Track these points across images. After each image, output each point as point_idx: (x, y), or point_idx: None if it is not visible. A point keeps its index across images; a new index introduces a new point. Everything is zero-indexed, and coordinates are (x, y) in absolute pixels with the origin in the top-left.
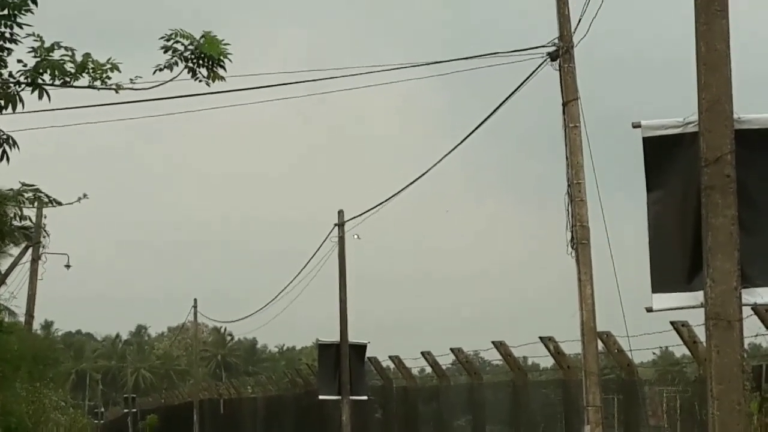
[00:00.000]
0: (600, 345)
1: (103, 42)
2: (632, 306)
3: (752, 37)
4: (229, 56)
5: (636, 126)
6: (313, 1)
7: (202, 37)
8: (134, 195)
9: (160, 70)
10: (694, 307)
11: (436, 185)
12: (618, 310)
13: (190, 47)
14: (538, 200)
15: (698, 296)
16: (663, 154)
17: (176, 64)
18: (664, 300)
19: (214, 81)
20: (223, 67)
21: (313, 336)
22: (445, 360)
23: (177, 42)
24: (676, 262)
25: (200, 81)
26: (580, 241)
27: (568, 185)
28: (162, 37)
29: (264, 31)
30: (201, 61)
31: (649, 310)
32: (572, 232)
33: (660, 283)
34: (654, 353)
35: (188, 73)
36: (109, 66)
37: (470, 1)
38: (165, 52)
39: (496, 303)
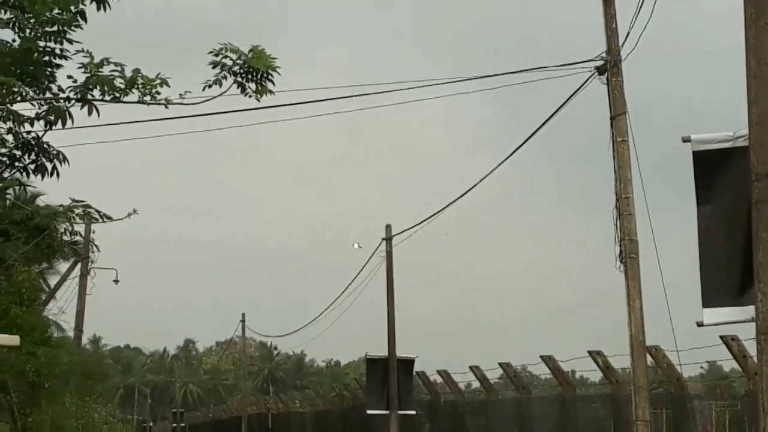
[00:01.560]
0: (649, 359)
1: (152, 58)
2: (681, 320)
3: None
4: (277, 69)
5: (686, 140)
6: (359, 18)
7: (250, 51)
8: (183, 211)
9: (209, 85)
10: (744, 321)
11: (484, 199)
12: (667, 324)
13: (239, 62)
14: (586, 214)
15: (749, 311)
16: (713, 168)
17: (225, 78)
18: (714, 314)
19: (262, 95)
20: (272, 81)
21: (360, 350)
22: (494, 374)
23: (225, 57)
24: (726, 276)
25: (249, 95)
26: (628, 255)
27: (617, 199)
28: (210, 52)
29: (310, 49)
30: (249, 76)
31: (700, 324)
32: (621, 246)
33: (711, 298)
34: (702, 367)
35: (237, 87)
36: (158, 81)
37: (517, 17)
38: (213, 67)
39: (544, 316)
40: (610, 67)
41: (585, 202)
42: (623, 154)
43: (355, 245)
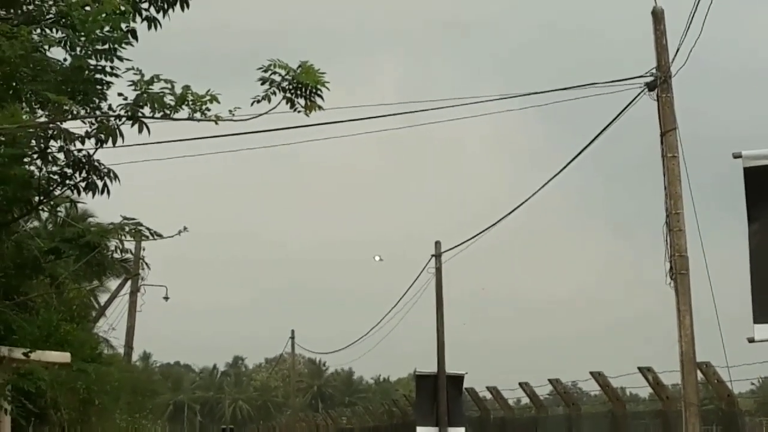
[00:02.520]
0: (699, 375)
1: (202, 76)
2: (731, 336)
3: None
4: (326, 85)
5: (737, 156)
6: (411, 38)
7: (299, 66)
8: (232, 228)
9: (258, 101)
10: None
11: (533, 216)
12: (717, 340)
13: (288, 77)
14: (635, 230)
15: None
16: (764, 184)
17: (274, 94)
18: (766, 330)
19: (312, 111)
20: (321, 97)
21: (409, 367)
22: (543, 390)
23: (274, 73)
24: None
25: (298, 111)
26: (679, 271)
27: (667, 215)
28: (260, 68)
29: (359, 67)
30: (299, 91)
31: (751, 340)
32: (671, 262)
33: (762, 314)
34: (753, 383)
35: (286, 103)
36: (208, 98)
37: (566, 32)
38: (262, 83)
39: (593, 332)
40: (660, 83)
41: (635, 218)
42: (673, 170)
43: (377, 258)
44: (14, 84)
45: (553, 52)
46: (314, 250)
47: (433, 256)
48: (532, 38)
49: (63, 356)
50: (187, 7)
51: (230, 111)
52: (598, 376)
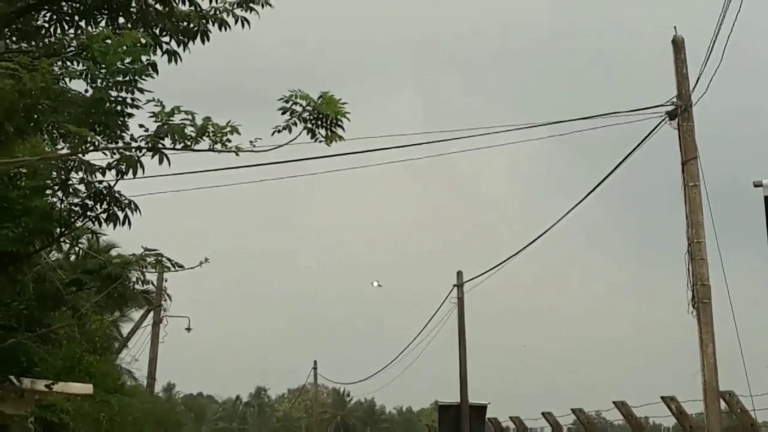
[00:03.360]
0: (723, 404)
1: (222, 107)
2: (755, 364)
3: None
4: (347, 115)
5: (757, 185)
6: (428, 66)
7: (320, 97)
8: (252, 258)
9: (279, 131)
10: None
11: (555, 245)
12: (741, 369)
13: (308, 108)
14: (656, 258)
15: None
16: None
17: (295, 124)
18: None
19: (332, 141)
20: (342, 127)
21: (431, 397)
22: (566, 420)
23: (295, 103)
24: None
25: (319, 141)
26: (701, 300)
27: (689, 244)
28: (281, 99)
29: (380, 98)
30: (319, 122)
31: None
32: (693, 290)
33: None
34: None
35: (307, 134)
36: (228, 129)
37: (586, 61)
38: (283, 113)
39: (614, 362)
40: (681, 112)
41: (658, 246)
42: (695, 199)
43: (374, 283)
44: (35, 116)
45: (572, 79)
46: (337, 277)
47: (455, 285)
48: (544, 68)
49: (86, 388)
50: (207, 40)
51: (251, 142)
52: (621, 406)
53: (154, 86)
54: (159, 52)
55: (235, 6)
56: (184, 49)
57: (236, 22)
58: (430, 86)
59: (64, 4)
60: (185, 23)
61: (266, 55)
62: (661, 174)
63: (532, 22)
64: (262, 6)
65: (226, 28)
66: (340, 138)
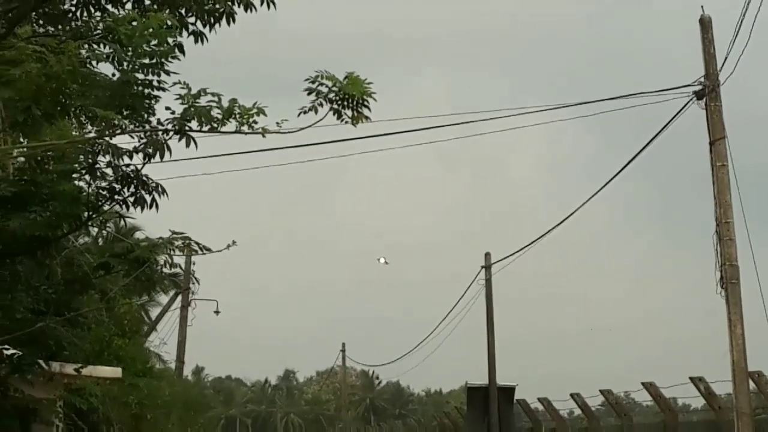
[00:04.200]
0: (752, 385)
1: (249, 89)
2: None
3: None
4: (373, 95)
5: None
6: (456, 49)
7: (346, 77)
8: (281, 242)
9: (305, 112)
10: None
11: (583, 227)
12: None
13: (334, 89)
14: (685, 239)
15: None
16: None
17: (321, 105)
18: None
19: (359, 122)
20: (368, 107)
21: (459, 379)
22: (594, 401)
23: (321, 84)
24: None
25: (345, 122)
26: (729, 281)
27: (717, 224)
28: (306, 79)
29: (408, 79)
30: (345, 102)
31: None
32: (721, 271)
33: None
34: None
35: (333, 114)
36: (255, 110)
37: (612, 41)
38: (309, 94)
39: (647, 345)
40: (708, 92)
41: (685, 227)
42: (723, 179)
43: (381, 260)
44: (62, 99)
45: (602, 64)
46: (366, 258)
47: (482, 267)
48: (573, 55)
49: (115, 371)
50: (233, 21)
51: (277, 123)
52: (649, 386)
53: (181, 70)
54: (185, 33)
55: None
56: (210, 30)
57: (262, 3)
58: (460, 69)
59: None
60: (211, 4)
61: (293, 37)
62: (689, 154)
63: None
64: None
65: (252, 10)
66: (367, 119)
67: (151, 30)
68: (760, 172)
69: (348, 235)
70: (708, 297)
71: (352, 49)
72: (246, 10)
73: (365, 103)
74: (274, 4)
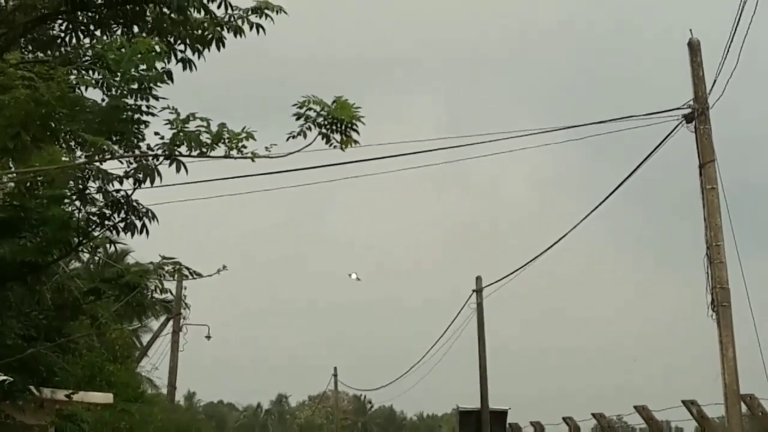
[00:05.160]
0: (744, 408)
1: (238, 115)
2: None
3: None
4: (362, 119)
5: None
6: (446, 72)
7: (334, 101)
8: (270, 265)
9: (293, 137)
10: None
11: (575, 250)
12: (762, 372)
13: (323, 113)
14: (676, 262)
15: None
16: None
17: (309, 129)
18: None
19: (347, 146)
20: (357, 131)
21: (451, 403)
22: (587, 425)
23: (309, 108)
24: None
25: (334, 147)
26: (720, 304)
27: (707, 247)
28: (295, 104)
29: (397, 103)
30: (334, 126)
31: None
32: (712, 294)
33: None
34: None
35: (322, 139)
36: (244, 135)
37: (600, 66)
38: (297, 119)
39: (639, 368)
40: (697, 115)
41: (676, 250)
42: (713, 202)
43: (353, 275)
44: (52, 125)
45: (590, 86)
46: (356, 284)
47: (474, 291)
48: (564, 78)
49: (106, 397)
50: (223, 47)
51: (266, 148)
52: (642, 410)
53: (170, 93)
54: (174, 60)
55: (250, 12)
56: (198, 57)
57: (251, 28)
58: (449, 91)
59: (79, 14)
60: (200, 31)
61: (282, 62)
62: (679, 177)
63: (547, 22)
64: (277, 12)
65: (240, 35)
66: (356, 143)
67: (139, 55)
68: (749, 192)
69: (339, 258)
70: (700, 319)
71: (343, 72)
72: (235, 36)
73: (354, 127)
74: (263, 29)
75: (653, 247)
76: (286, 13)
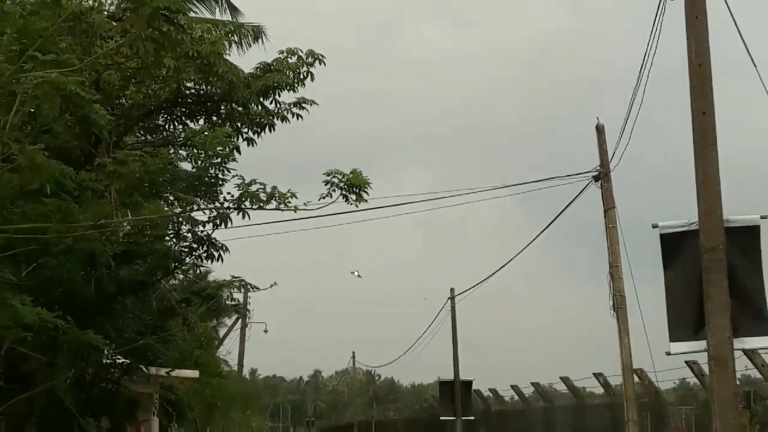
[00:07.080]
0: (636, 378)
1: (284, 179)
2: (658, 350)
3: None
4: (370, 184)
5: (655, 226)
6: (438, 151)
7: (351, 172)
8: (308, 283)
9: (323, 197)
10: (700, 351)
11: (521, 272)
12: (647, 354)
13: (343, 180)
14: (589, 278)
15: (703, 344)
16: (674, 245)
17: (334, 191)
18: (679, 346)
19: (360, 203)
20: (366, 192)
21: (436, 374)
22: (528, 390)
23: (334, 177)
24: (686, 320)
25: (350, 203)
26: (619, 306)
27: (610, 267)
28: (324, 173)
29: (396, 172)
30: (351, 189)
31: (668, 353)
32: (613, 299)
33: (675, 335)
34: (674, 383)
35: (342, 198)
36: (289, 194)
37: (537, 137)
38: (326, 184)
39: (564, 350)
40: (602, 177)
41: (591, 269)
42: (613, 236)
43: (355, 273)
44: (156, 188)
45: (525, 151)
46: (369, 293)
47: (449, 298)
48: (505, 143)
49: (194, 373)
50: (274, 130)
51: (304, 203)
52: (566, 380)
53: (239, 163)
54: (240, 138)
55: (292, 106)
56: (257, 136)
57: (293, 116)
58: (429, 161)
59: (175, 108)
60: (258, 118)
61: (316, 138)
62: (591, 218)
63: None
64: (311, 105)
65: (286, 121)
66: (365, 200)
67: (218, 139)
68: (641, 230)
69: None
70: (605, 317)
71: (359, 148)
72: (282, 122)
73: (364, 190)
74: (301, 117)
75: (573, 267)
76: (317, 104)
